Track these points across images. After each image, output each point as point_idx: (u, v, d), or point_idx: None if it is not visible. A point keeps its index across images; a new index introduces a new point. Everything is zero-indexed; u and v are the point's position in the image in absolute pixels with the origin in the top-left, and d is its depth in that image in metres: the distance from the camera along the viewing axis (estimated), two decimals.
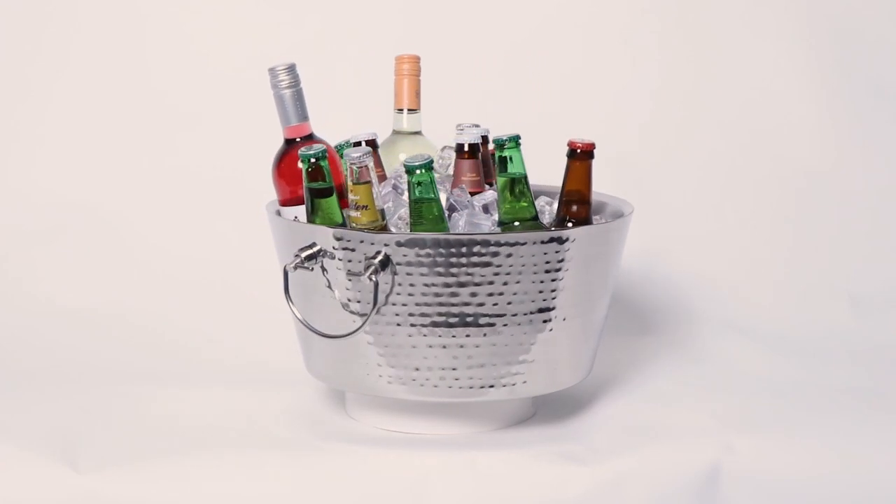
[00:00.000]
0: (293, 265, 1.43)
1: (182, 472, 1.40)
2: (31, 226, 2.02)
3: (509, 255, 1.40)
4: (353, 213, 1.43)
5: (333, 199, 1.45)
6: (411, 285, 1.40)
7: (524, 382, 1.46)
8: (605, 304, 1.52)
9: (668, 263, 2.03)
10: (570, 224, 1.52)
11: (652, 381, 1.70)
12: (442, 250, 1.39)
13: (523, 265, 1.41)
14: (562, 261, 1.43)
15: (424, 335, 1.42)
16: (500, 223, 1.48)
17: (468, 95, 2.04)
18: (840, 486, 1.43)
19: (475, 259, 1.40)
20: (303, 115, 1.52)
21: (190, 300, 1.94)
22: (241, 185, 1.98)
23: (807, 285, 2.00)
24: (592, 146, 1.51)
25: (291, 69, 1.50)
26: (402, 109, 1.66)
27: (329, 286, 1.44)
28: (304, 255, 1.43)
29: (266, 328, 1.84)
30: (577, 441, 1.48)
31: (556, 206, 1.56)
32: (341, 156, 1.55)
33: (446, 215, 1.47)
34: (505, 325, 1.42)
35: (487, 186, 1.58)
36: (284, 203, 1.53)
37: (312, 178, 1.44)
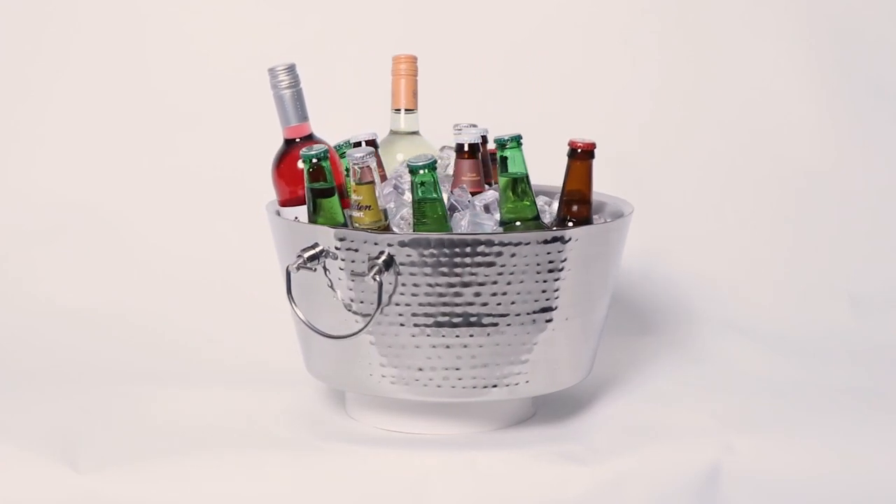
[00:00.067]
0: (296, 265, 1.43)
1: (182, 472, 1.40)
2: (31, 226, 2.02)
3: (513, 255, 1.40)
4: (356, 214, 1.43)
5: (335, 199, 1.45)
6: (415, 285, 1.40)
7: (526, 382, 1.46)
8: (605, 304, 1.52)
9: (668, 263, 2.03)
10: (570, 224, 1.52)
11: (652, 381, 1.70)
12: (446, 250, 1.39)
13: (527, 265, 1.41)
14: (564, 260, 1.43)
15: (428, 335, 1.42)
16: (502, 223, 1.48)
17: (468, 95, 2.04)
18: (840, 486, 1.43)
19: (479, 259, 1.40)
20: (302, 116, 1.52)
21: (190, 300, 1.94)
22: (241, 185, 1.98)
23: (807, 285, 2.00)
24: (593, 146, 1.51)
25: (291, 69, 1.50)
26: (399, 109, 1.66)
27: (331, 286, 1.44)
28: (306, 255, 1.43)
29: (266, 328, 1.84)
30: (577, 441, 1.48)
31: (555, 205, 1.56)
32: (341, 156, 1.56)
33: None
34: (508, 324, 1.42)
35: (487, 186, 1.59)
36: (284, 203, 1.53)
37: (314, 178, 1.44)
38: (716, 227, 2.07)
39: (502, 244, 1.40)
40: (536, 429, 1.53)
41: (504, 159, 1.47)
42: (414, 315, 1.41)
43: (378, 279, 1.39)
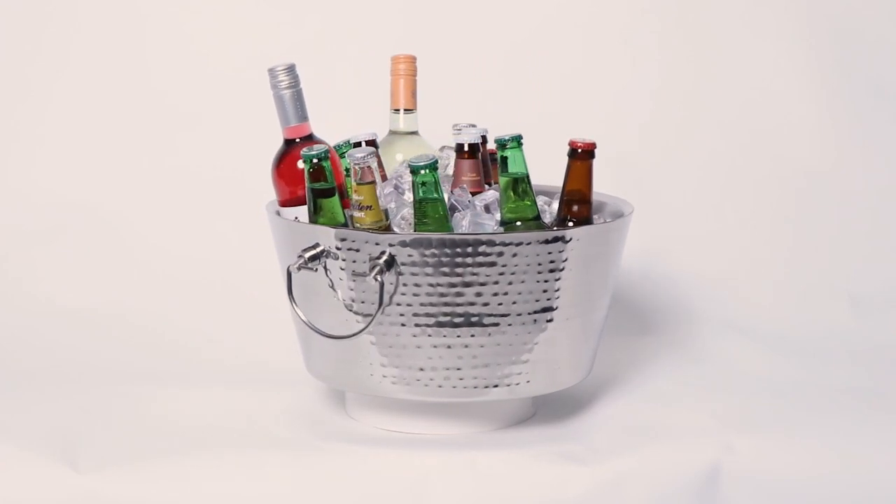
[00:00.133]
0: (297, 266, 1.43)
1: (182, 472, 1.40)
2: (31, 226, 2.02)
3: (514, 255, 1.40)
4: (357, 214, 1.43)
5: (336, 199, 1.45)
6: (416, 285, 1.40)
7: (527, 382, 1.46)
8: (605, 303, 1.52)
9: (668, 263, 2.03)
10: (571, 224, 1.52)
11: (652, 381, 1.70)
12: (447, 250, 1.39)
13: (528, 265, 1.41)
14: (565, 260, 1.43)
15: (429, 335, 1.42)
16: (503, 223, 1.48)
17: (468, 95, 2.04)
18: (840, 486, 1.43)
19: (480, 259, 1.40)
20: (302, 116, 1.52)
21: (190, 300, 1.94)
22: (241, 185, 1.98)
23: (807, 285, 2.00)
24: (593, 146, 1.51)
25: (291, 69, 1.50)
26: (398, 109, 1.66)
27: (332, 286, 1.44)
28: (307, 255, 1.43)
29: (266, 328, 1.84)
30: (577, 441, 1.48)
31: (555, 205, 1.56)
32: (341, 156, 1.56)
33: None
34: (509, 324, 1.42)
35: (487, 186, 1.59)
36: (284, 203, 1.53)
37: (315, 178, 1.44)
38: (716, 227, 2.07)
39: (503, 244, 1.40)
40: (536, 429, 1.53)
41: (504, 159, 1.47)
42: (415, 315, 1.41)
43: (379, 279, 1.39)
